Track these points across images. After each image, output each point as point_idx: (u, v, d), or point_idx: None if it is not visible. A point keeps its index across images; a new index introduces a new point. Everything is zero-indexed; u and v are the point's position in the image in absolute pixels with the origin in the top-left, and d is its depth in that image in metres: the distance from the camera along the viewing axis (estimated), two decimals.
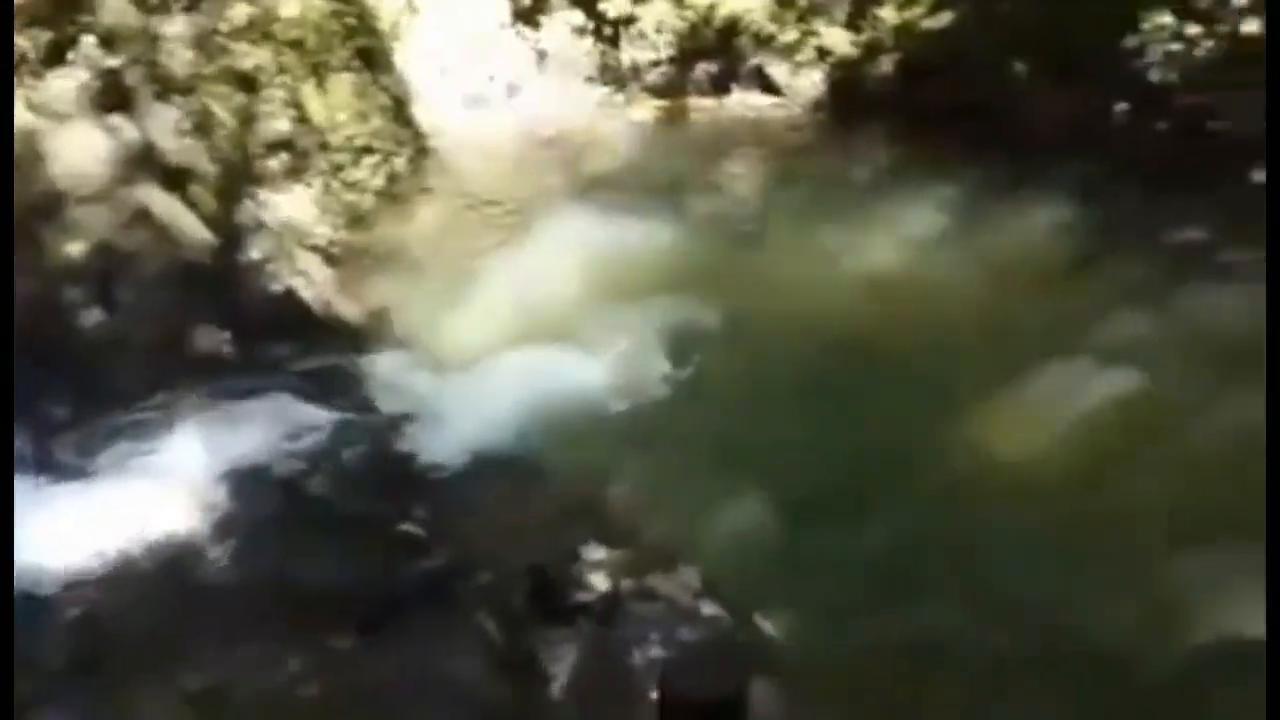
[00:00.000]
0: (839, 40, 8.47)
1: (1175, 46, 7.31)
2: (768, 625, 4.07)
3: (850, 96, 8.31)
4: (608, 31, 8.53)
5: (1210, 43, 7.23)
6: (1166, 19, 7.30)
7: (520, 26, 8.44)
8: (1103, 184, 6.79)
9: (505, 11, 8.37)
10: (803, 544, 4.61)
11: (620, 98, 8.53)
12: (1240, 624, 4.09)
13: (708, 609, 3.95)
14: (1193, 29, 7.25)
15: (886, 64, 8.33)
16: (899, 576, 4.46)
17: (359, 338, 5.62)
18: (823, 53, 8.50)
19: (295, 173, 6.40)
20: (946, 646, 4.14)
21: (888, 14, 8.31)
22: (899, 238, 6.71)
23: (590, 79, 8.51)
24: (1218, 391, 5.23)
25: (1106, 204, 6.63)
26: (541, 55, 8.42)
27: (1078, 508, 4.74)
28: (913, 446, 5.10)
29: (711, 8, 8.56)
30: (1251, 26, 7.03)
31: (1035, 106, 7.48)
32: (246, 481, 4.31)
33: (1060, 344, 5.54)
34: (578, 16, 8.51)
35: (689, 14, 8.60)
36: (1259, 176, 6.39)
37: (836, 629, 4.18)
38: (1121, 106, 7.31)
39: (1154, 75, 7.28)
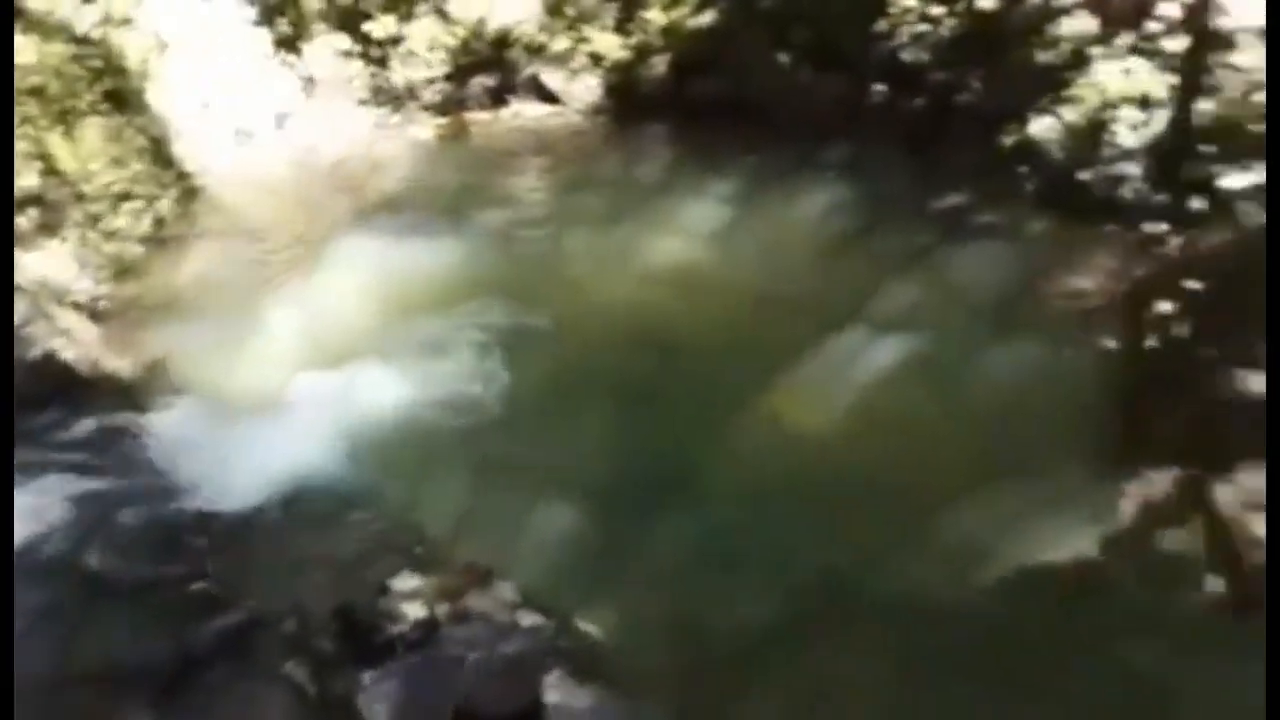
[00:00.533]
0: (610, 45, 8.59)
1: (922, 27, 7.73)
2: (589, 627, 4.09)
3: (627, 99, 8.44)
4: (376, 53, 8.36)
5: (953, 21, 7.67)
6: (912, 1, 7.72)
7: (283, 54, 8.16)
8: (869, 162, 7.14)
9: (266, 40, 8.08)
10: (618, 542, 4.67)
11: (397, 118, 8.38)
12: (1030, 554, 4.42)
13: (527, 620, 3.92)
14: (936, 9, 7.68)
15: (659, 64, 8.50)
16: (713, 561, 4.57)
17: (134, 394, 5.31)
18: (596, 58, 8.60)
19: (47, 228, 5.99)
20: (766, 624, 4.28)
21: (654, 16, 8.47)
22: (686, 232, 6.87)
23: (364, 102, 8.33)
24: (987, 343, 5.61)
25: (874, 180, 6.97)
26: (309, 82, 8.18)
27: (873, 471, 4.97)
28: (714, 432, 5.23)
29: (480, 21, 8.52)
30: (987, 2, 7.51)
31: (800, 94, 7.80)
32: (18, 568, 3.98)
33: (842, 317, 5.78)
34: (343, 40, 8.31)
35: (458, 29, 8.53)
36: (1004, 141, 6.89)
37: (658, 621, 4.26)
38: (879, 88, 7.68)
39: (905, 56, 7.68)
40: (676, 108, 8.19)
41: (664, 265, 6.60)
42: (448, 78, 8.56)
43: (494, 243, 6.95)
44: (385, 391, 5.54)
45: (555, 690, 3.32)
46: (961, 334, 5.64)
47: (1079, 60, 6.88)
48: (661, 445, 5.31)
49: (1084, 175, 6.51)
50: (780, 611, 4.35)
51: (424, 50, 8.50)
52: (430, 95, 8.49)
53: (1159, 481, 4.46)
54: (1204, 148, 6.22)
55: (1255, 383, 4.58)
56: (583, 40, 8.61)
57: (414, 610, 3.98)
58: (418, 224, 6.93)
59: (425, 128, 8.37)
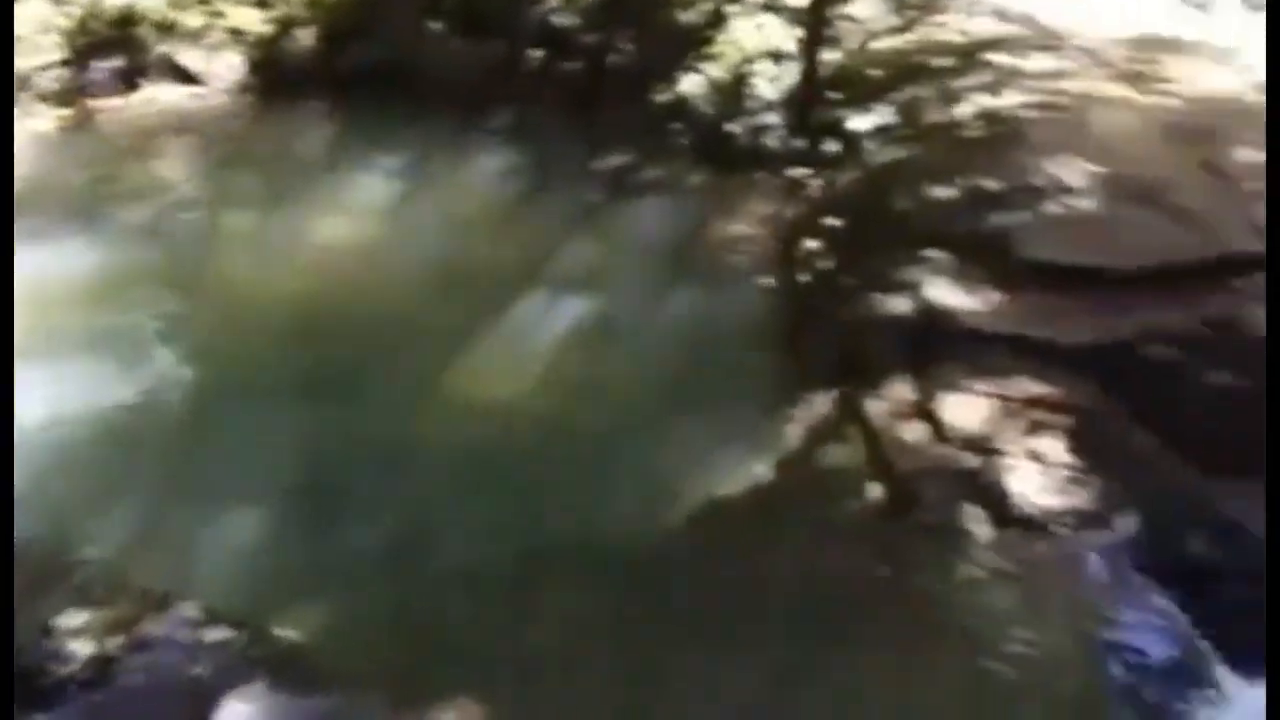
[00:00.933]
0: (250, 19, 8.09)
1: None
2: (288, 633, 3.89)
3: (276, 75, 7.98)
4: None
5: None
6: None
7: None
8: (532, 127, 7.19)
9: None
10: (314, 542, 4.47)
11: None
12: (713, 488, 4.67)
13: (214, 636, 3.66)
14: None
15: (307, 37, 8.11)
16: (416, 547, 4.48)
17: None
18: (236, 33, 8.07)
19: None
20: (474, 601, 4.25)
21: None
22: (354, 209, 6.63)
23: None
24: (661, 295, 5.84)
25: (538, 145, 7.03)
26: None
27: (566, 431, 5.04)
28: (405, 414, 5.11)
29: (96, 2, 7.76)
30: None
31: (457, 62, 7.71)
32: None
33: (522, 283, 5.81)
34: None
35: (72, 9, 7.74)
36: (657, 100, 7.18)
37: (363, 615, 4.13)
38: (534, 53, 7.74)
39: (556, 21, 7.79)
40: (330, 81, 7.85)
41: (334, 245, 6.33)
42: (65, 63, 7.73)
43: (141, 237, 6.38)
44: (30, 406, 4.96)
45: (249, 701, 3.14)
46: (636, 288, 5.84)
47: (717, 19, 7.29)
48: (350, 435, 5.11)
49: (732, 128, 6.92)
50: (488, 585, 4.34)
51: (32, 34, 7.63)
52: (46, 83, 7.63)
53: (819, 403, 4.85)
54: (831, 95, 6.79)
55: (890, 303, 5.10)
56: (218, 15, 8.06)
57: (84, 648, 3.62)
58: (44, 226, 6.22)
59: (44, 119, 7.50)
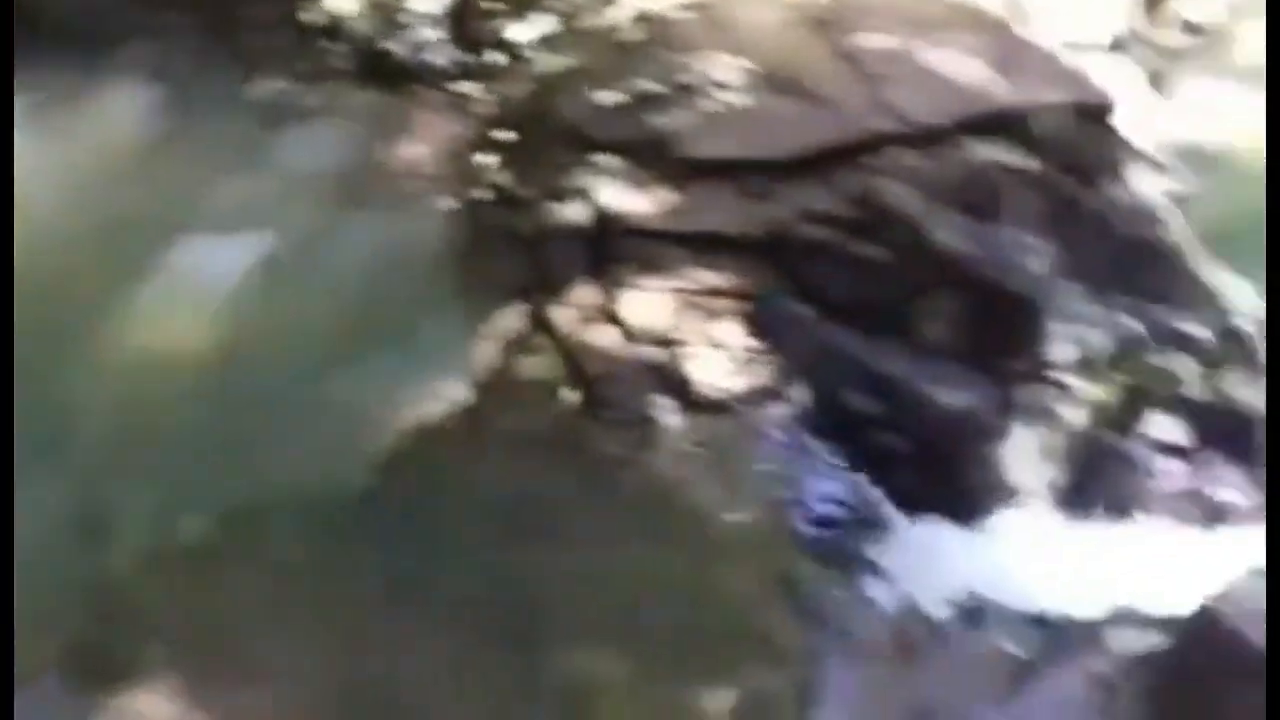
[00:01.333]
0: None
1: None
2: None
3: None
4: None
5: None
6: None
7: None
8: (171, 58, 6.57)
9: None
10: None
11: None
12: (412, 416, 4.63)
13: None
14: None
15: None
16: (91, 518, 4.17)
17: None
18: None
19: None
20: (167, 565, 4.03)
21: None
22: None
23: None
24: (335, 225, 5.61)
25: (180, 77, 6.44)
26: None
27: (250, 374, 4.81)
28: (59, 379, 4.67)
29: None
30: None
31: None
32: None
33: (179, 228, 5.40)
34: None
35: None
36: (306, 20, 6.76)
37: (40, 597, 3.79)
38: None
39: None
40: None
41: None
42: None
43: None
44: None
45: None
46: (307, 221, 5.57)
47: None
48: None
49: (390, 45, 6.66)
50: (182, 550, 4.14)
51: None
52: None
53: (509, 317, 4.91)
54: (489, 5, 6.69)
55: (567, 211, 5.20)
56: None
57: None
58: None
59: None
